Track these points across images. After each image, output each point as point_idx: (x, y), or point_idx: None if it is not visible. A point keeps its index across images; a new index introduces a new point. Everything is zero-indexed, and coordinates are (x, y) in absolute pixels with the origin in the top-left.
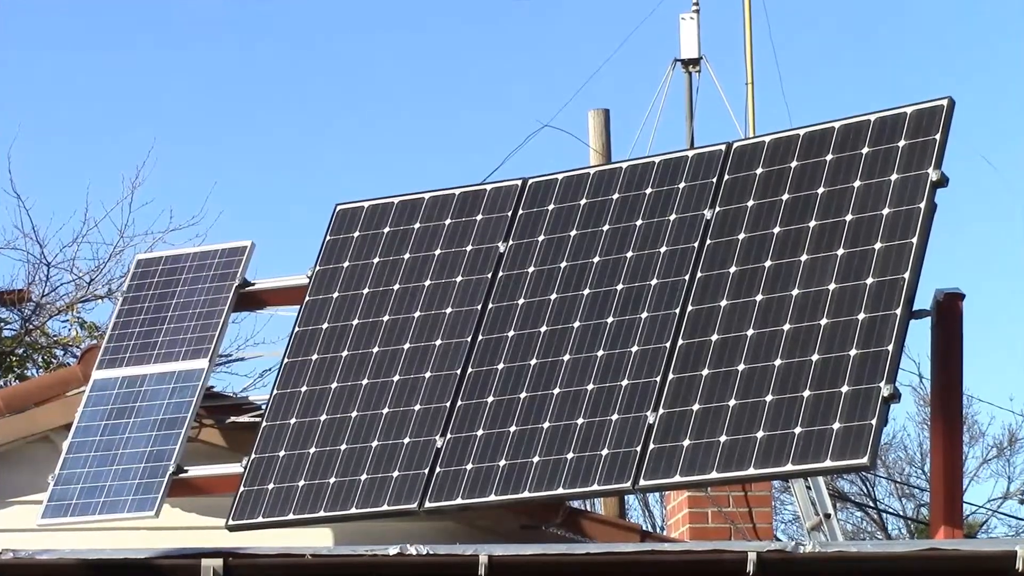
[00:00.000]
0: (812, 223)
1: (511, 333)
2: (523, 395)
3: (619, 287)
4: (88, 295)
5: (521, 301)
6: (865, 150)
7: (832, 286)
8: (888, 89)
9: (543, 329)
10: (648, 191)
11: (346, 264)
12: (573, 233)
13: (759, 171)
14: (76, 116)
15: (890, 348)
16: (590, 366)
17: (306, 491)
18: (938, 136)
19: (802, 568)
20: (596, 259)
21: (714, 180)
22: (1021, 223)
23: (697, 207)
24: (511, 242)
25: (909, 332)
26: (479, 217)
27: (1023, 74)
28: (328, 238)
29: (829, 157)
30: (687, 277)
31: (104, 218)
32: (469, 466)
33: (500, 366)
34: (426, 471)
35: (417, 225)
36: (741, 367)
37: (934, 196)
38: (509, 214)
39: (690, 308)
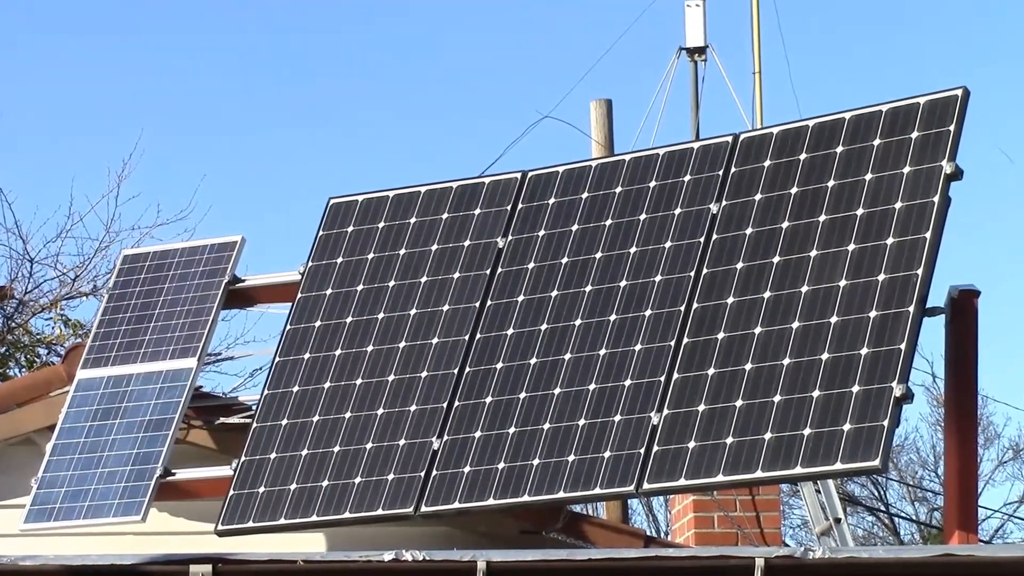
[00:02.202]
0: (822, 217)
1: (510, 331)
2: (523, 395)
3: (622, 284)
4: (72, 292)
5: (521, 298)
6: (877, 142)
7: (843, 283)
8: (900, 78)
9: (543, 327)
10: (652, 184)
11: (339, 260)
12: (575, 228)
13: (767, 163)
14: (61, 107)
15: (902, 347)
16: (592, 365)
17: (298, 495)
18: (952, 127)
19: (811, 574)
20: (598, 255)
21: (720, 173)
22: None
23: (703, 201)
24: (510, 237)
25: (922, 330)
26: (477, 211)
27: None
28: (321, 233)
29: (839, 149)
30: (692, 273)
31: (89, 212)
32: (467, 469)
33: (499, 365)
34: (422, 474)
35: (413, 220)
36: (748, 366)
37: (948, 189)
38: (508, 208)
39: (696, 305)
